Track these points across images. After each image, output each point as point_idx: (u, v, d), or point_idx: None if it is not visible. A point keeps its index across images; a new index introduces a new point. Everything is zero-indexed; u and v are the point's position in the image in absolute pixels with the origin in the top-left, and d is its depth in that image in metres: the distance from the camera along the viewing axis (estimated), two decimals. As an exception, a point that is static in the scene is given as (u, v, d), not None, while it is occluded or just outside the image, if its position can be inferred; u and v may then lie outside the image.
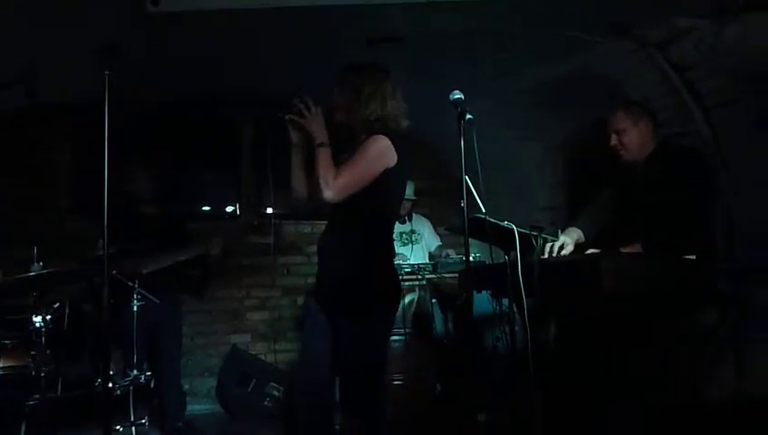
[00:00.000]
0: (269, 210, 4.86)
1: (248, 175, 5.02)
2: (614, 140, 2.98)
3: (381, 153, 2.33)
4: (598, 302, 2.48)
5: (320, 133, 2.35)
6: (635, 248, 2.74)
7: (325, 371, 2.42)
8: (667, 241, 2.68)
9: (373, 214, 2.37)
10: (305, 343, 2.59)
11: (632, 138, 2.93)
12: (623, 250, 2.74)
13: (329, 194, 2.30)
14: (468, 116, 2.39)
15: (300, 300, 5.02)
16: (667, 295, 2.50)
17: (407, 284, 3.85)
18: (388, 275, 2.43)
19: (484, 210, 2.61)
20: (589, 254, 2.83)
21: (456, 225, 2.81)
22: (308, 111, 2.37)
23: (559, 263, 2.72)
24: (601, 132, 3.04)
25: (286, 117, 2.41)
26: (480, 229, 2.59)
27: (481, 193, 2.63)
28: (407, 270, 3.93)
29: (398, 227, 4.79)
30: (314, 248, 2.61)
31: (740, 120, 2.95)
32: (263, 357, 4.81)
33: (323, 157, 2.33)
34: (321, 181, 2.30)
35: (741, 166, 3.04)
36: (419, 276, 3.94)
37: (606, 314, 2.53)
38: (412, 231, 4.64)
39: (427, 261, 4.25)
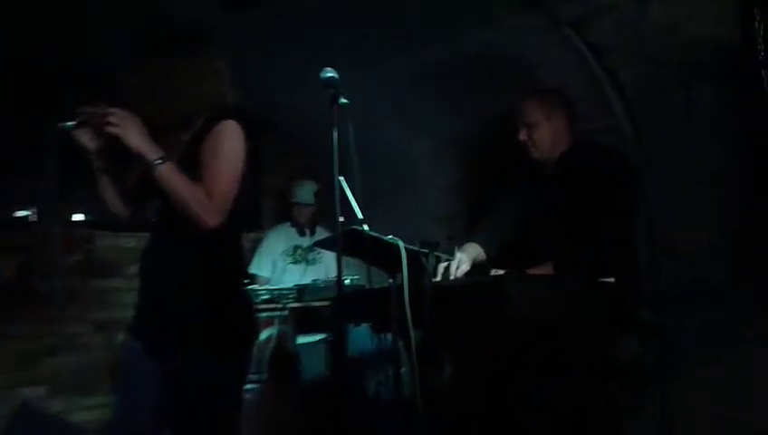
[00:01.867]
0: (78, 217, 4.67)
1: (51, 170, 4.75)
2: (523, 135, 3.07)
3: (241, 142, 2.31)
4: (501, 334, 2.54)
5: (148, 147, 2.23)
6: (546, 269, 2.84)
7: (150, 432, 2.32)
8: (581, 261, 2.79)
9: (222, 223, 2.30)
10: (123, 394, 2.47)
11: (544, 133, 3.05)
12: (532, 271, 2.83)
13: (214, 220, 2.24)
14: (343, 100, 2.40)
15: (120, 337, 4.79)
16: (581, 325, 2.60)
17: (264, 315, 3.83)
18: (239, 302, 2.39)
19: (362, 219, 2.62)
20: (491, 276, 2.88)
21: (326, 239, 2.79)
22: (113, 119, 2.22)
23: (454, 287, 2.76)
24: (509, 125, 3.13)
25: (72, 127, 2.27)
26: (357, 245, 2.58)
27: (359, 199, 2.63)
28: (264, 297, 3.90)
29: (292, 238, 4.88)
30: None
31: (666, 116, 3.16)
32: (64, 417, 4.53)
33: (174, 176, 2.22)
34: (194, 208, 2.21)
35: (667, 168, 3.25)
36: (280, 305, 3.91)
37: (511, 348, 2.59)
38: (311, 248, 4.70)
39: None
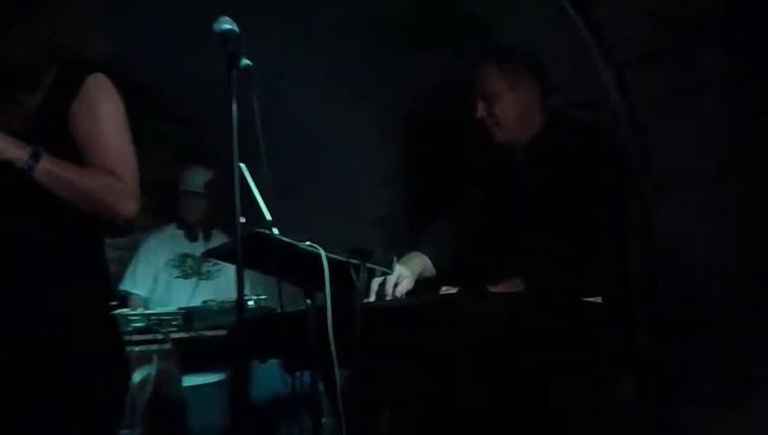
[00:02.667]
0: None
1: None
2: (481, 110, 3.06)
3: (121, 104, 2.27)
4: (454, 372, 2.52)
5: (8, 146, 2.13)
6: (513, 286, 2.83)
7: None
8: (559, 275, 2.80)
9: (76, 222, 2.23)
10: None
11: (508, 107, 3.03)
12: (494, 289, 2.80)
13: (133, 206, 2.21)
14: (245, 61, 2.36)
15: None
16: (559, 359, 2.59)
17: (138, 349, 3.72)
18: (102, 334, 2.30)
19: (269, 219, 2.59)
20: (440, 295, 2.88)
21: (222, 246, 2.71)
22: None
23: (393, 310, 2.75)
24: (464, 98, 3.11)
25: None
26: (264, 254, 2.56)
27: (267, 193, 2.58)
28: (138, 324, 3.76)
29: (179, 245, 4.83)
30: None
31: (664, 87, 3.19)
32: None
33: (59, 168, 2.15)
34: (105, 198, 2.17)
35: (667, 155, 3.29)
36: (161, 336, 3.78)
37: (467, 389, 2.56)
38: (205, 259, 4.62)
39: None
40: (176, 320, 3.84)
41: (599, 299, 2.78)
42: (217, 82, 2.37)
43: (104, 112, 2.24)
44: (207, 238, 4.80)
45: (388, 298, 2.84)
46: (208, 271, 4.73)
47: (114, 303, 3.70)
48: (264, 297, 3.77)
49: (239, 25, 2.39)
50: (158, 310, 4.01)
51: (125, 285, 4.71)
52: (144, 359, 3.82)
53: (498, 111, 3.02)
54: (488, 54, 3.12)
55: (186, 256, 4.77)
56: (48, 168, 2.14)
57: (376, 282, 2.87)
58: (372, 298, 2.83)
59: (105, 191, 2.18)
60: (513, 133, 3.05)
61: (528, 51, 3.24)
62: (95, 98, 2.24)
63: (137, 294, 4.70)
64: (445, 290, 2.89)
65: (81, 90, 2.23)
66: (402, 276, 2.90)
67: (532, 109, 3.06)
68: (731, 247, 3.27)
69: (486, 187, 3.20)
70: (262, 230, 2.56)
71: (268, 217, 2.62)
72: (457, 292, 2.82)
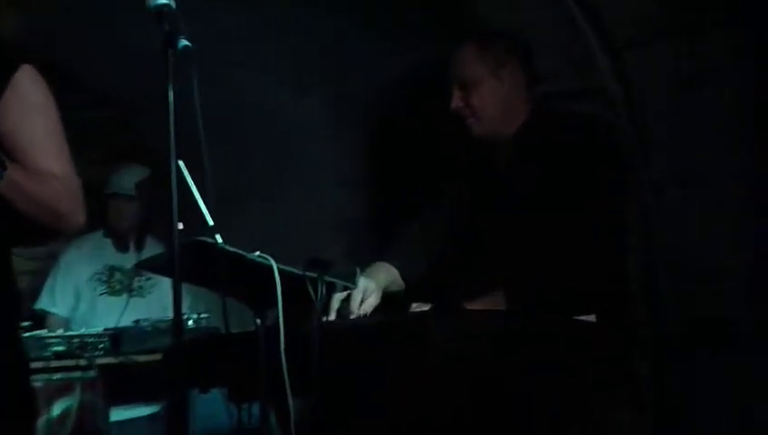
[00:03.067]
0: None
1: None
2: (457, 100, 3.09)
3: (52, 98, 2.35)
4: (425, 401, 2.49)
5: None
6: (494, 301, 2.85)
7: None
8: (547, 289, 2.82)
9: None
10: None
11: (489, 96, 3.06)
12: (470, 305, 2.83)
13: (82, 215, 2.33)
14: (184, 42, 2.34)
15: None
16: (547, 386, 2.58)
17: (57, 377, 3.73)
18: (9, 360, 2.33)
19: (212, 225, 2.59)
20: (411, 313, 2.88)
21: (157, 257, 2.78)
22: None
23: (356, 330, 2.76)
24: (438, 88, 3.14)
25: None
26: (205, 266, 2.55)
27: (209, 195, 2.59)
28: (57, 348, 3.78)
29: (107, 255, 4.87)
30: None
31: (668, 74, 3.23)
32: None
33: (22, 176, 2.20)
34: (59, 206, 2.26)
35: (670, 149, 3.33)
36: (84, 362, 3.80)
37: (440, 422, 2.51)
38: (137, 272, 4.64)
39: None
40: (102, 343, 3.87)
41: (592, 316, 2.80)
42: (154, 65, 2.34)
43: (40, 111, 2.29)
44: (140, 248, 4.81)
45: (351, 317, 2.85)
46: (140, 286, 4.74)
47: (27, 323, 3.73)
48: (205, 316, 3.80)
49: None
50: (82, 331, 4.02)
51: (41, 304, 4.70)
52: (65, 388, 3.80)
53: (477, 101, 3.05)
54: (466, 36, 3.13)
55: (114, 268, 4.78)
56: (15, 175, 2.18)
57: (337, 298, 2.87)
58: (332, 317, 2.84)
59: (58, 199, 2.24)
60: (493, 126, 3.08)
61: (511, 32, 3.25)
62: (26, 94, 2.28)
63: (56, 314, 4.70)
64: (416, 307, 2.88)
65: (7, 86, 2.25)
66: (368, 291, 2.91)
67: (516, 98, 3.09)
68: (740, 251, 3.32)
69: (464, 186, 3.22)
70: (203, 238, 2.55)
71: (210, 222, 2.60)
72: (429, 309, 2.82)
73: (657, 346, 3.29)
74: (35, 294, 4.74)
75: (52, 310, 4.71)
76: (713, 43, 3.23)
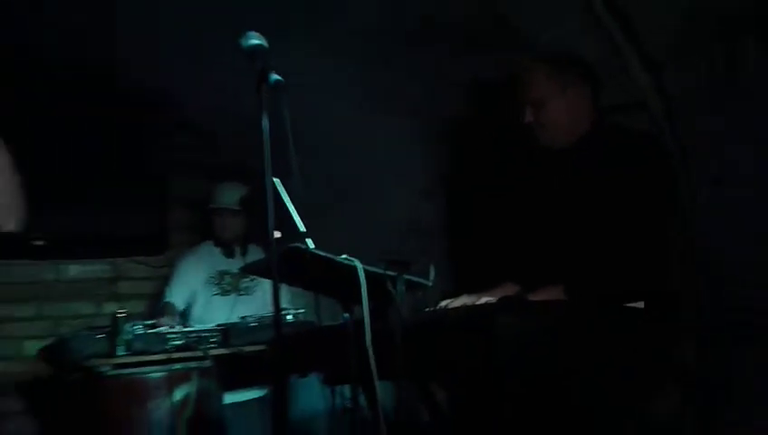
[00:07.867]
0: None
1: None
2: (529, 116, 3.14)
3: None
4: (493, 386, 2.54)
5: None
6: (554, 293, 2.87)
7: None
8: (603, 284, 2.83)
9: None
10: None
11: (558, 112, 3.11)
12: (533, 296, 2.85)
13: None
14: (275, 76, 2.44)
15: None
16: (599, 370, 2.61)
17: (177, 367, 3.87)
18: None
19: (305, 233, 2.68)
20: (479, 305, 2.93)
21: (257, 262, 2.81)
22: None
23: (430, 322, 2.76)
24: (502, 103, 3.23)
25: None
26: (299, 268, 2.61)
27: (301, 206, 2.70)
28: (177, 342, 3.95)
29: (217, 262, 4.98)
30: None
31: (706, 88, 3.21)
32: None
33: None
34: None
35: (708, 160, 3.30)
36: (200, 353, 3.96)
37: (508, 401, 2.54)
38: (243, 275, 4.78)
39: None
40: (215, 337, 4.05)
41: (640, 304, 2.81)
42: (244, 96, 2.46)
43: None
44: (244, 254, 4.95)
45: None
46: (246, 287, 4.90)
47: (150, 322, 3.89)
48: (302, 311, 3.91)
49: (270, 39, 2.47)
50: (198, 327, 4.18)
51: (168, 297, 4.88)
52: (184, 376, 3.92)
53: (546, 119, 3.10)
54: (533, 57, 3.17)
55: (223, 272, 4.92)
56: None
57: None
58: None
59: None
60: (561, 137, 3.13)
61: (574, 52, 3.25)
62: None
63: (173, 304, 4.85)
64: (484, 299, 2.94)
65: None
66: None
67: (580, 113, 3.12)
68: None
69: (527, 191, 3.26)
70: (297, 245, 2.61)
71: (302, 230, 2.68)
72: (497, 301, 2.80)
73: (700, 337, 3.28)
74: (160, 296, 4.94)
75: (171, 300, 4.86)
76: (748, 53, 3.17)
